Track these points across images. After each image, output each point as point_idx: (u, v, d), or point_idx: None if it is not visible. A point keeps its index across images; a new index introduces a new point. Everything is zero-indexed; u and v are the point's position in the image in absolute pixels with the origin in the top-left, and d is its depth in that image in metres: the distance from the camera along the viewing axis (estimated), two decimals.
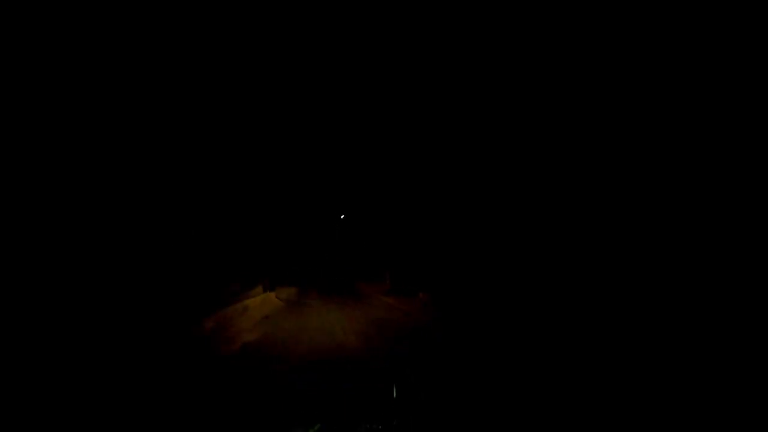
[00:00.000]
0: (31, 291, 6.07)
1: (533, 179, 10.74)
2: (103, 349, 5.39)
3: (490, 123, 12.42)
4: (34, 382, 4.21)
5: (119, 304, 7.10)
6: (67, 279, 6.71)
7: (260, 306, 11.35)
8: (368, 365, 5.63)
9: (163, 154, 11.14)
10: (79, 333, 5.68)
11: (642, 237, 7.67)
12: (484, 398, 4.13)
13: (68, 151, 7.73)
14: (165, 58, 10.62)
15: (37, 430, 3.29)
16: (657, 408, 3.90)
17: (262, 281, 15.82)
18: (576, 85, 8.97)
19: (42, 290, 6.24)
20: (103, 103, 8.60)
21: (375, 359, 5.94)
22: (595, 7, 8.22)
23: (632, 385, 4.44)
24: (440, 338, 7.51)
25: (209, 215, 15.33)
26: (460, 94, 13.63)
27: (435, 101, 14.77)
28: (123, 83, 8.91)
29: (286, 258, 25.49)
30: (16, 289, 5.91)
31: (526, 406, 4.04)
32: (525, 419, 3.74)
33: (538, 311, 8.59)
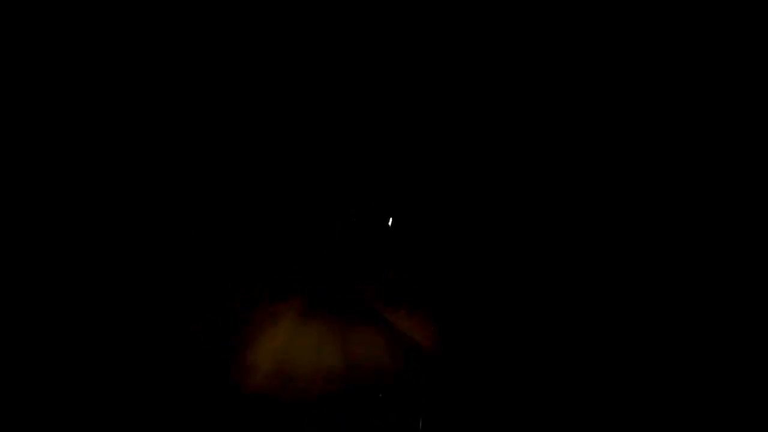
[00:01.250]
0: (57, 289, 6.08)
1: (536, 182, 10.85)
2: (103, 352, 5.34)
3: (494, 126, 12.64)
4: (45, 380, 4.16)
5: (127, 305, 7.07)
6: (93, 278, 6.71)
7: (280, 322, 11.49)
8: (391, 397, 5.37)
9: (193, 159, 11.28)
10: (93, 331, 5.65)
11: (644, 239, 7.67)
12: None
13: (82, 151, 7.70)
14: (166, 59, 10.59)
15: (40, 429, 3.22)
16: (659, 408, 3.87)
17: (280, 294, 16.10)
18: (577, 85, 9.02)
19: (70, 288, 6.24)
20: (111, 104, 8.58)
21: (396, 390, 5.70)
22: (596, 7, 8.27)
23: (636, 387, 4.41)
24: (452, 362, 7.30)
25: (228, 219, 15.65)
26: (464, 96, 13.86)
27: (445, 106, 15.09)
28: (124, 83, 8.87)
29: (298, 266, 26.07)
30: (39, 287, 5.90)
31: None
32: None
33: (542, 318, 8.55)
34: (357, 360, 7.03)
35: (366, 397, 5.29)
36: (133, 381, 5.30)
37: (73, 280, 6.79)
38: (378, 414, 4.49)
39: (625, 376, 4.84)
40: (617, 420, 3.71)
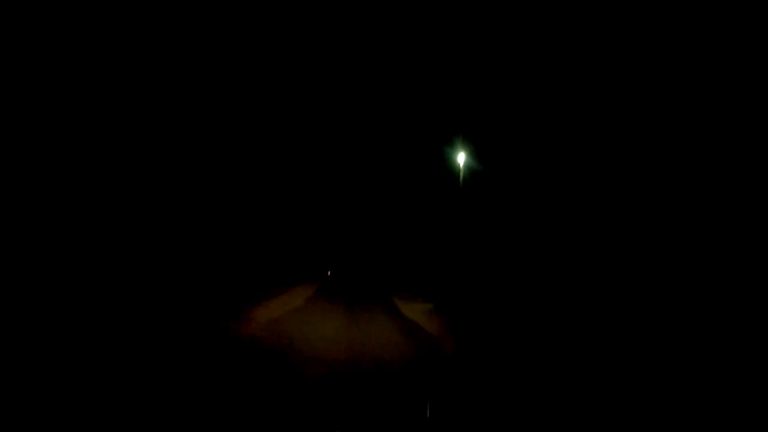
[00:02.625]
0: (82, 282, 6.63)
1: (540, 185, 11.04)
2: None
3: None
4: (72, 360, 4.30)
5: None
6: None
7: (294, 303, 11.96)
8: (400, 379, 5.36)
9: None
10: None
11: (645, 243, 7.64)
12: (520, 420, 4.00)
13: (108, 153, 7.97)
14: (194, 66, 10.84)
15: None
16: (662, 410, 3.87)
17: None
18: (577, 87, 9.01)
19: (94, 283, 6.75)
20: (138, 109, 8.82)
21: (408, 373, 5.71)
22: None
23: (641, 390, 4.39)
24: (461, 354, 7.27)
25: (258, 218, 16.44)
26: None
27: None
28: (141, 87, 9.04)
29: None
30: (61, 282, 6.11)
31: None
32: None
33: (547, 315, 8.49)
34: (361, 339, 7.03)
35: (366, 373, 5.37)
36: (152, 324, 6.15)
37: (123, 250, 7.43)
38: (386, 392, 4.52)
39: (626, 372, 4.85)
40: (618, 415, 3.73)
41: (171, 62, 10.15)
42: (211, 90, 12.46)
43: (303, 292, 14.81)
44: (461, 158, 13.76)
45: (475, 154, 14.25)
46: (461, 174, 13.94)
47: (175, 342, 5.67)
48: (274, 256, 19.63)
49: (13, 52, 6.77)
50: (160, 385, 4.11)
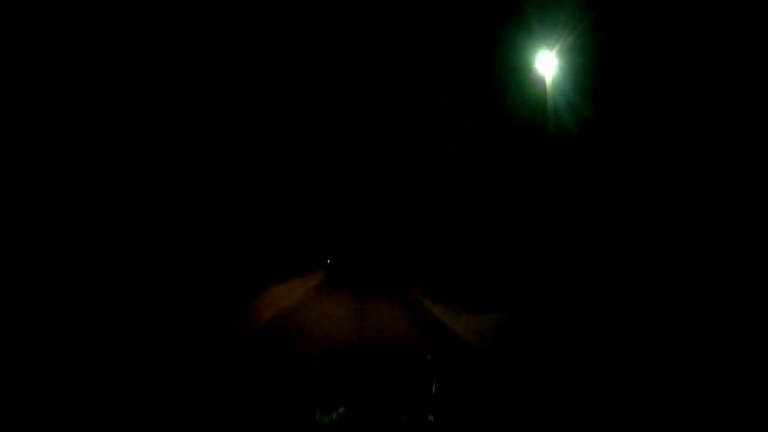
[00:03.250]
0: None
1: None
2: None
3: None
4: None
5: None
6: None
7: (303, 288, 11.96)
8: (406, 354, 5.25)
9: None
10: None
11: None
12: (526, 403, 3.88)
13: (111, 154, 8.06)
14: (199, 68, 10.90)
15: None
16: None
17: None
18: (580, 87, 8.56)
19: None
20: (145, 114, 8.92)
21: (414, 350, 5.56)
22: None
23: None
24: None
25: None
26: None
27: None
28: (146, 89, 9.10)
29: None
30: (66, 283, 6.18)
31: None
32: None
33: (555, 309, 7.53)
34: (372, 330, 6.83)
35: (375, 363, 5.02)
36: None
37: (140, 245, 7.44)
38: (391, 366, 4.45)
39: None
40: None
41: (165, 57, 10.16)
42: (214, 87, 12.47)
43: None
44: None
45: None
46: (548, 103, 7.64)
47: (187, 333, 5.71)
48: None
49: (13, 52, 6.77)
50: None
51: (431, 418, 2.22)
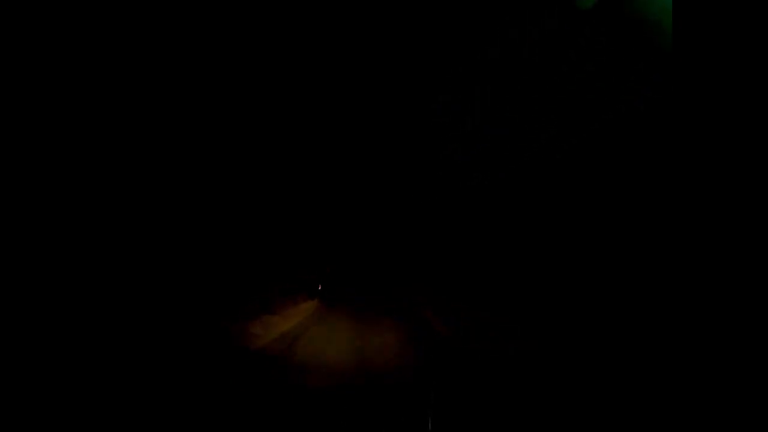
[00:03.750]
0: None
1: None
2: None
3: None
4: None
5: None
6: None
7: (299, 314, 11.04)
8: (401, 389, 5.22)
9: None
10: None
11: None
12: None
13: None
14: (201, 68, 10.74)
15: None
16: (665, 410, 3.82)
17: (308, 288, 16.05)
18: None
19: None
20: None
21: (407, 383, 5.44)
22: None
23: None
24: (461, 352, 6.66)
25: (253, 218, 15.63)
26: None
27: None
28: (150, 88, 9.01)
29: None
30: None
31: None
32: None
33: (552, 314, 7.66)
34: (370, 351, 6.57)
35: (374, 385, 5.07)
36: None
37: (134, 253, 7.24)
38: (387, 402, 4.36)
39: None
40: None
41: (165, 57, 10.13)
42: (214, 86, 12.37)
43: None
44: None
45: None
46: None
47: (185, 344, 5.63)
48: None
49: (12, 52, 6.76)
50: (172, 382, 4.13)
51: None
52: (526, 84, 10.14)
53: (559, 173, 9.32)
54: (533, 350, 6.11)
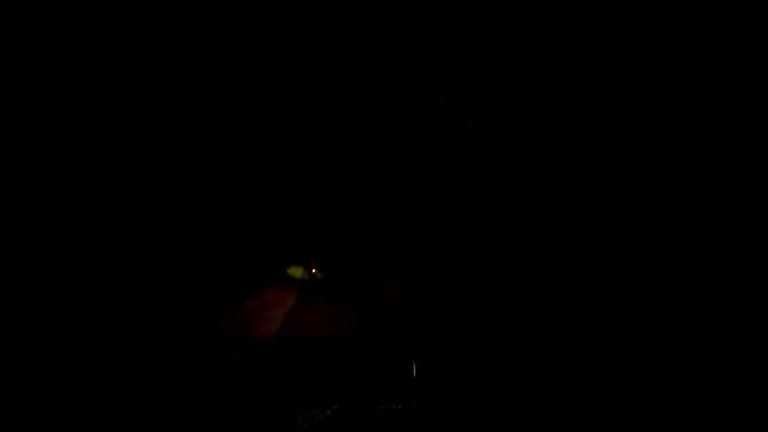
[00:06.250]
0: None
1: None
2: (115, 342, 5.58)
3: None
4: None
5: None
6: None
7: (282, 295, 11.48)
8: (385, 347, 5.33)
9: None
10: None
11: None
12: (506, 382, 3.97)
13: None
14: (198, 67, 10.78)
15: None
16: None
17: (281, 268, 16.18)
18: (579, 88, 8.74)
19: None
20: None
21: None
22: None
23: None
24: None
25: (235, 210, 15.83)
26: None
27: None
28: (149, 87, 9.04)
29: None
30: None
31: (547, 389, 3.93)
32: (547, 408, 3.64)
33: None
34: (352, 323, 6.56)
35: (360, 348, 5.21)
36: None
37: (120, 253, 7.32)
38: (372, 360, 4.67)
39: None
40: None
41: (165, 57, 10.20)
42: (211, 86, 12.43)
43: None
44: None
45: None
46: None
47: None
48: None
49: (12, 52, 6.80)
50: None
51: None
52: (526, 84, 10.62)
53: (559, 173, 9.65)
54: (533, 350, 6.29)
